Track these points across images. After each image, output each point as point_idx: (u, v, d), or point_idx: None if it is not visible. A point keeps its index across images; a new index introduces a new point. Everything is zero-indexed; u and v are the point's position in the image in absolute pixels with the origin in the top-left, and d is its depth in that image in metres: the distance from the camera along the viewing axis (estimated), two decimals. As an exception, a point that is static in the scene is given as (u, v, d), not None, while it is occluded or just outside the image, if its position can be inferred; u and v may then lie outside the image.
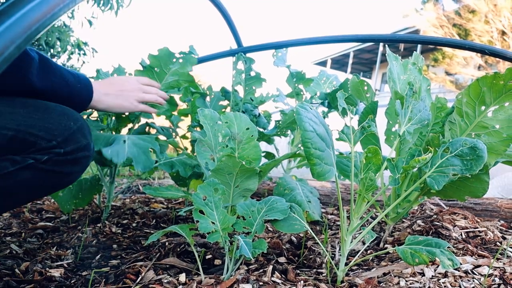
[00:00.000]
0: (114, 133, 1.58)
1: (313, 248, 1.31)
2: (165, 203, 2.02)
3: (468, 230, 1.37)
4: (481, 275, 1.01)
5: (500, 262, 1.08)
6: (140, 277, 1.05)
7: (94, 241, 1.39)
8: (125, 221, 1.63)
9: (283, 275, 1.05)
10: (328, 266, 1.08)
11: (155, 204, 1.96)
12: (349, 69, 18.56)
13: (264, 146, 2.26)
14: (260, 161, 1.12)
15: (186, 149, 1.84)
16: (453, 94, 11.89)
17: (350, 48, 18.10)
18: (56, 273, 1.09)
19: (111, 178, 1.63)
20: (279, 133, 1.98)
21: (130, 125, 1.63)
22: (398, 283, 0.98)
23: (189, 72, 1.50)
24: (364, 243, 1.19)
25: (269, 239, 1.37)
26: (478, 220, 1.50)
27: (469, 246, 1.20)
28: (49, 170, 0.90)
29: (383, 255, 1.23)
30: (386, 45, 1.30)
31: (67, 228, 1.55)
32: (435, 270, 1.03)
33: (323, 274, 1.09)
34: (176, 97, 1.72)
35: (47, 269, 1.12)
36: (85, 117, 1.42)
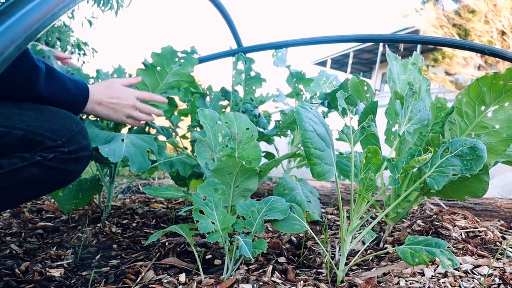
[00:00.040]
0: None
1: (313, 248, 1.31)
2: (165, 203, 2.02)
3: (468, 230, 1.37)
4: (481, 275, 1.01)
5: (500, 262, 1.08)
6: (140, 277, 1.06)
7: (94, 241, 1.39)
8: (125, 221, 1.63)
9: (283, 275, 1.05)
10: (328, 266, 1.08)
11: (155, 204, 1.96)
12: (349, 69, 18.56)
13: (264, 146, 2.26)
14: (260, 161, 1.12)
15: (186, 148, 1.84)
16: (453, 94, 11.89)
17: (350, 48, 18.10)
18: (56, 273, 1.09)
19: (111, 178, 1.62)
20: (279, 133, 1.98)
21: (129, 125, 1.63)
22: (398, 283, 0.98)
23: (190, 73, 1.50)
24: (364, 243, 1.19)
25: (269, 239, 1.37)
26: (478, 220, 1.50)
27: (469, 246, 1.20)
28: (54, 167, 0.97)
29: (383, 255, 1.23)
30: (386, 45, 1.30)
31: (67, 228, 1.55)
32: (435, 270, 1.03)
33: (323, 274, 1.09)
34: (176, 97, 1.72)
35: (47, 269, 1.12)
36: (84, 116, 1.43)
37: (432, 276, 1.00)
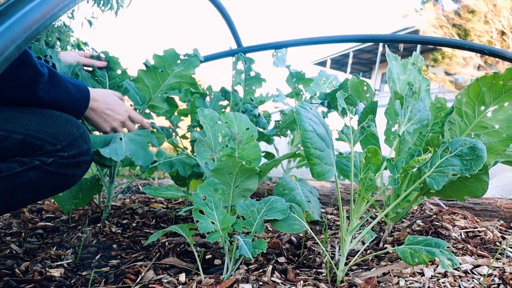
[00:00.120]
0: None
1: (313, 248, 1.31)
2: (165, 203, 2.02)
3: (467, 230, 1.38)
4: (481, 275, 1.01)
5: (500, 262, 1.08)
6: (140, 277, 1.06)
7: (94, 241, 1.39)
8: (125, 221, 1.63)
9: (282, 275, 1.05)
10: (328, 266, 1.08)
11: (155, 204, 1.96)
12: (348, 69, 18.55)
13: (264, 146, 2.26)
14: (260, 161, 1.13)
15: (186, 148, 1.84)
16: (452, 94, 11.89)
17: (349, 48, 18.10)
18: (56, 273, 1.09)
19: (110, 178, 1.63)
20: (278, 133, 1.98)
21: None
22: (398, 283, 0.98)
23: (191, 75, 1.51)
24: (363, 243, 1.19)
25: (269, 239, 1.37)
26: (478, 220, 1.50)
27: (468, 246, 1.20)
28: (53, 172, 0.97)
29: (383, 255, 1.23)
30: (386, 45, 1.31)
31: (67, 228, 1.55)
32: (434, 270, 1.03)
33: (323, 274, 1.09)
34: (176, 97, 1.72)
35: (47, 269, 1.12)
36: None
37: (431, 276, 1.00)
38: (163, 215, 1.73)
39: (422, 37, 1.73)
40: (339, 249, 1.30)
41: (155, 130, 1.75)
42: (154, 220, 1.67)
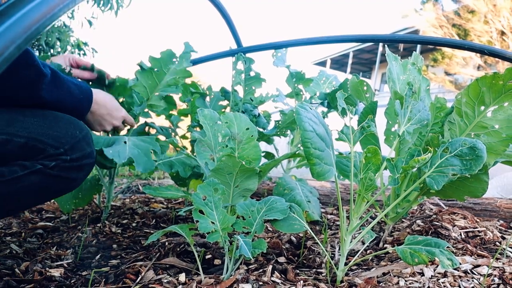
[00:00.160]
0: (110, 135, 1.58)
1: (313, 248, 1.31)
2: (165, 203, 2.02)
3: (467, 230, 1.38)
4: (481, 275, 1.01)
5: (500, 262, 1.08)
6: (140, 277, 1.06)
7: (94, 241, 1.39)
8: (125, 221, 1.63)
9: (282, 275, 1.05)
10: (328, 266, 1.08)
11: (155, 204, 1.96)
12: (348, 69, 18.56)
13: (263, 146, 2.26)
14: (260, 161, 1.13)
15: (186, 148, 1.84)
16: (452, 94, 11.89)
17: (349, 48, 18.11)
18: (56, 273, 1.09)
19: (110, 178, 1.63)
20: (278, 133, 1.98)
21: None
22: (398, 283, 0.98)
23: (186, 68, 1.51)
24: (363, 243, 1.19)
25: (269, 239, 1.37)
26: (478, 220, 1.50)
27: (468, 246, 1.20)
28: (56, 175, 0.96)
29: (383, 255, 1.23)
30: (386, 45, 1.31)
31: (67, 228, 1.55)
32: (434, 270, 1.03)
33: (323, 274, 1.09)
34: (175, 96, 1.73)
35: (47, 269, 1.12)
36: None
37: (431, 276, 1.00)
38: (163, 215, 1.73)
39: (422, 37, 1.73)
40: (339, 249, 1.30)
41: (154, 130, 1.75)
42: (154, 220, 1.67)
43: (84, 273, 1.13)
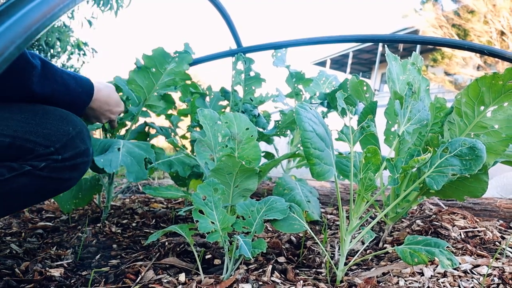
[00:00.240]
0: (110, 135, 1.57)
1: (313, 248, 1.31)
2: (165, 203, 2.02)
3: (467, 230, 1.38)
4: (480, 274, 1.01)
5: (499, 261, 1.08)
6: (140, 277, 1.06)
7: (94, 241, 1.39)
8: (124, 221, 1.63)
9: (282, 275, 1.05)
10: (328, 266, 1.09)
11: (155, 204, 1.96)
12: (348, 69, 18.55)
13: (263, 146, 2.26)
14: (259, 161, 1.13)
15: (186, 148, 1.84)
16: (452, 94, 11.89)
17: (349, 49, 18.10)
18: (56, 272, 1.09)
19: (110, 178, 1.63)
20: (278, 133, 1.98)
21: (128, 125, 1.62)
22: (397, 282, 0.98)
23: (185, 70, 1.50)
24: (363, 243, 1.19)
25: (269, 239, 1.37)
26: (477, 220, 1.50)
27: (468, 246, 1.21)
28: (46, 176, 0.89)
29: (383, 255, 1.23)
30: (386, 46, 1.31)
31: (67, 228, 1.55)
32: (434, 270, 1.03)
33: (323, 274, 1.09)
34: (175, 96, 1.73)
35: (47, 268, 1.12)
36: None
37: (431, 276, 1.00)
38: (163, 215, 1.73)
39: (421, 37, 1.73)
40: (338, 249, 1.30)
41: (154, 130, 1.75)
42: (154, 220, 1.67)
43: (84, 273, 1.13)
